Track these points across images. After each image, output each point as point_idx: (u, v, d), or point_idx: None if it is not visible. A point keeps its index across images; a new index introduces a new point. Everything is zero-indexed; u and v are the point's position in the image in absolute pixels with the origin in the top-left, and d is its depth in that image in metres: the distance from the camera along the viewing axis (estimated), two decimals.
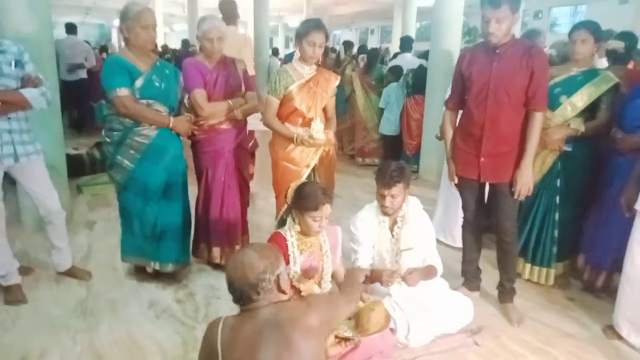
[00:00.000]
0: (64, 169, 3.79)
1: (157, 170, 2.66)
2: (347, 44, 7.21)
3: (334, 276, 2.31)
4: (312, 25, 2.58)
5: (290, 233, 2.18)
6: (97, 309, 2.63)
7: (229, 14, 4.31)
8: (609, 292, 2.86)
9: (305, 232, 2.16)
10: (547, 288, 3.02)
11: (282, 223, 2.50)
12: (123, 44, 2.67)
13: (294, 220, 2.18)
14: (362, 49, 7.09)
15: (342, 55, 6.87)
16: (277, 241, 2.18)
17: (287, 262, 2.16)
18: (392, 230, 2.43)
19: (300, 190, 2.11)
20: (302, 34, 2.58)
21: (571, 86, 2.78)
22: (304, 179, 2.64)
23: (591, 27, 2.74)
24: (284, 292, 1.57)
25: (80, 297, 2.74)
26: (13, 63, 2.46)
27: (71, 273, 2.91)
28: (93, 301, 2.71)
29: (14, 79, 2.46)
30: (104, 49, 10.82)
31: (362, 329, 1.90)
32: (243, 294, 1.46)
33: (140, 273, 2.93)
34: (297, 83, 2.64)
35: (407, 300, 2.36)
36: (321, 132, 2.61)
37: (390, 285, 2.27)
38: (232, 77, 2.89)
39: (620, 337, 2.47)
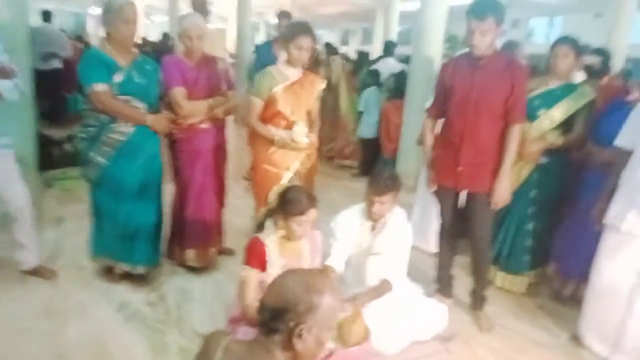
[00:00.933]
0: (33, 162, 3.65)
1: (132, 168, 2.59)
2: (329, 46, 7.19)
3: None
4: (299, 30, 2.56)
5: (270, 238, 2.15)
6: (63, 311, 2.53)
7: (200, 9, 4.26)
8: (576, 300, 2.92)
9: (287, 237, 2.13)
10: (518, 296, 3.07)
11: (260, 227, 2.47)
12: (100, 33, 2.58)
13: (275, 224, 2.15)
14: (333, 50, 7.03)
15: (322, 56, 6.85)
16: (256, 246, 2.15)
17: (264, 269, 2.14)
18: (370, 234, 2.43)
19: (285, 195, 2.08)
20: (289, 37, 2.56)
21: (550, 99, 2.84)
22: (284, 181, 2.62)
23: (573, 43, 2.81)
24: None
25: (46, 298, 2.63)
26: None
27: (36, 272, 2.79)
28: (60, 303, 2.61)
29: None
30: (78, 38, 10.52)
31: (343, 341, 1.89)
32: (265, 316, 1.12)
33: (109, 274, 2.84)
34: (282, 85, 2.61)
35: (381, 307, 2.36)
36: (303, 135, 2.59)
37: None
38: (213, 76, 2.84)
39: (585, 346, 2.53)
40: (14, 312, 2.49)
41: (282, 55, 2.69)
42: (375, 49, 14.58)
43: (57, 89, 6.58)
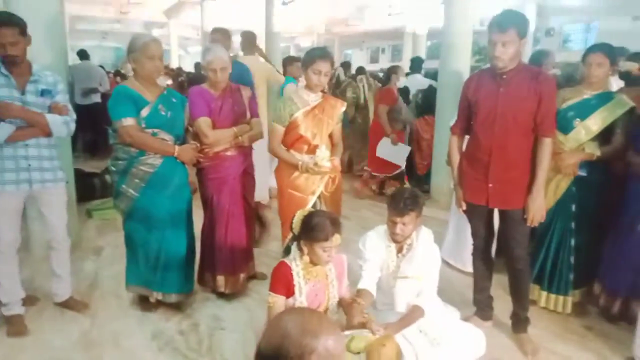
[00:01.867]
0: (73, 194, 3.80)
1: (162, 199, 2.65)
2: (346, 65, 7.23)
3: (341, 304, 2.25)
4: (317, 55, 2.58)
5: (296, 262, 2.14)
6: (100, 341, 2.59)
7: (250, 44, 4.53)
8: (627, 319, 2.75)
9: (313, 262, 2.10)
10: (564, 316, 2.90)
11: (287, 251, 2.46)
12: None
13: (300, 249, 2.13)
14: (360, 70, 7.05)
15: (342, 77, 6.89)
16: (283, 271, 2.14)
17: (293, 293, 2.12)
18: (397, 256, 2.37)
19: (309, 221, 2.06)
20: (307, 62, 2.58)
21: (585, 110, 2.71)
22: (309, 206, 2.61)
23: (607, 50, 2.69)
24: None
25: (83, 329, 2.70)
26: (39, 92, 2.51)
27: (68, 304, 2.86)
28: (96, 332, 2.67)
29: (39, 107, 2.51)
30: (117, 72, 11.02)
31: None
32: None
33: (144, 302, 2.89)
34: (302, 110, 2.63)
35: (415, 333, 2.27)
36: (327, 159, 2.58)
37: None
38: (237, 105, 2.90)
39: None
40: (53, 343, 2.56)
41: (301, 80, 2.71)
42: (405, 66, 14.57)
43: (97, 122, 6.91)
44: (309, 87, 2.64)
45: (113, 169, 2.67)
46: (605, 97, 2.71)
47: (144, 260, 2.75)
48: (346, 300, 2.25)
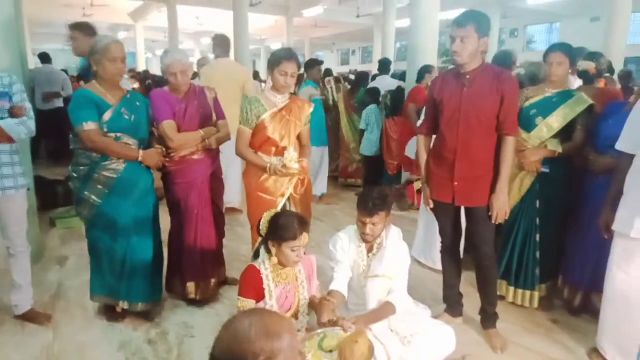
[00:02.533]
0: (34, 203, 3.66)
1: (126, 205, 2.58)
2: (327, 71, 7.22)
3: (311, 305, 2.23)
4: (283, 56, 2.55)
5: (265, 266, 2.12)
6: (64, 355, 2.49)
7: (225, 47, 4.57)
8: (589, 312, 2.84)
9: (282, 264, 2.08)
10: (531, 311, 2.97)
11: (257, 255, 2.43)
12: None
13: (268, 252, 2.11)
14: (328, 72, 7.05)
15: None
16: (252, 275, 2.12)
17: (263, 296, 2.10)
18: (367, 256, 2.37)
19: (276, 221, 2.05)
20: (273, 63, 2.56)
21: (547, 108, 2.78)
22: (279, 209, 2.58)
23: (566, 49, 2.76)
24: None
25: (46, 342, 2.58)
26: None
27: (29, 317, 2.74)
28: (60, 346, 2.56)
29: None
30: (80, 77, 10.70)
31: None
32: None
33: (110, 312, 2.79)
34: (270, 112, 2.60)
35: (386, 333, 2.28)
36: (295, 161, 2.56)
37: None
38: (202, 107, 2.85)
39: None
40: (12, 359, 2.44)
41: (268, 82, 2.69)
42: (375, 67, 14.68)
43: (60, 128, 6.68)
44: (275, 88, 2.61)
45: (74, 175, 2.57)
46: (566, 95, 2.79)
47: (109, 269, 2.66)
48: (316, 299, 2.23)
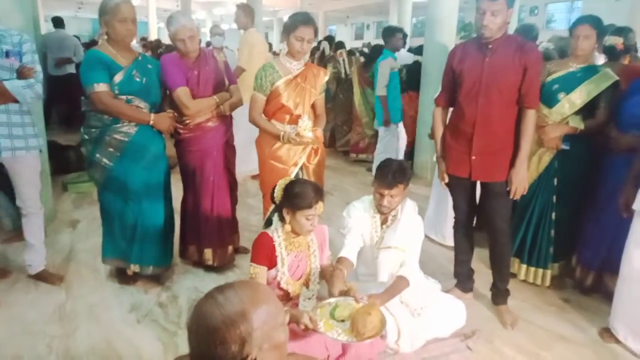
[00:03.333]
0: (47, 167, 3.68)
1: (138, 169, 2.56)
2: (330, 39, 7.09)
3: (322, 275, 2.22)
4: (300, 20, 2.47)
5: (278, 233, 2.10)
6: (75, 314, 2.52)
7: (253, 18, 4.53)
8: (600, 292, 2.81)
9: (295, 232, 2.06)
10: (543, 289, 2.94)
11: (268, 223, 2.41)
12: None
13: (281, 220, 2.08)
14: (339, 44, 6.91)
15: (327, 51, 6.77)
16: (264, 242, 2.10)
17: (275, 264, 2.09)
18: (381, 227, 2.35)
19: (291, 189, 2.01)
20: (290, 28, 2.48)
21: (570, 83, 2.69)
22: (291, 176, 2.55)
23: (595, 22, 2.64)
24: None
25: (58, 301, 2.63)
26: (4, 53, 2.36)
27: (42, 277, 2.78)
28: (72, 305, 2.60)
29: (6, 70, 2.38)
30: (92, 42, 10.63)
31: (357, 334, 1.81)
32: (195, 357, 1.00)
33: (121, 275, 2.82)
34: (284, 78, 2.54)
35: (396, 305, 2.27)
36: (309, 129, 2.51)
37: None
38: (215, 72, 2.79)
39: (617, 341, 2.40)
40: (26, 316, 2.48)
41: (284, 47, 2.61)
42: None
43: (72, 94, 6.66)
44: (291, 54, 2.54)
45: (86, 137, 2.55)
46: (591, 70, 2.69)
47: (120, 233, 2.67)
48: (327, 268, 2.22)
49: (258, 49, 4.43)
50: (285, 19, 2.60)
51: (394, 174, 2.15)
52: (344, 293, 1.98)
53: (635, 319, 2.29)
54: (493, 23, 2.22)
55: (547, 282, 2.94)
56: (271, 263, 2.07)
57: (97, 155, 2.52)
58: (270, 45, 11.81)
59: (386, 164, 2.22)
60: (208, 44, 6.40)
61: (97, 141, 2.51)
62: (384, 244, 2.28)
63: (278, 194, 2.05)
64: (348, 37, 31.10)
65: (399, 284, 2.21)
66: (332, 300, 1.97)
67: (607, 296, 2.59)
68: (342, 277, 2.04)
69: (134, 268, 2.71)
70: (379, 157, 4.97)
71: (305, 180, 2.18)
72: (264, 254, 2.06)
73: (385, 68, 4.87)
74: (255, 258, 2.05)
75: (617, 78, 2.64)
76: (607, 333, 2.46)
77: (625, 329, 2.35)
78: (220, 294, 0.99)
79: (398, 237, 2.24)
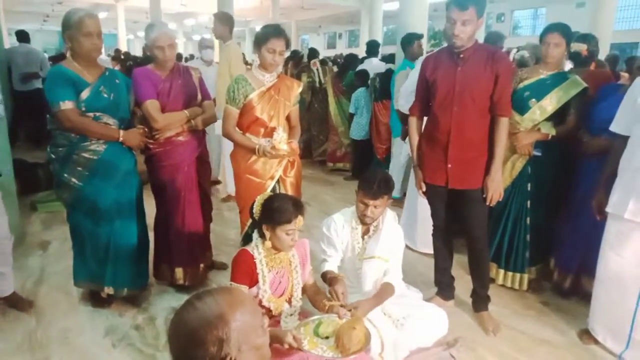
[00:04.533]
0: (13, 187, 3.54)
1: (108, 188, 2.47)
2: (312, 52, 7.11)
3: (304, 290, 2.19)
4: (271, 32, 2.45)
5: (258, 250, 2.05)
6: (47, 341, 2.41)
7: (228, 28, 4.34)
8: (578, 294, 2.86)
9: (276, 248, 2.02)
10: (521, 293, 2.98)
11: (246, 238, 2.36)
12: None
13: (261, 236, 2.04)
14: (313, 53, 6.91)
15: (305, 59, 6.78)
16: (245, 260, 2.04)
17: (256, 282, 2.04)
18: (362, 238, 2.34)
19: (270, 204, 1.97)
20: (261, 40, 2.46)
21: (540, 90, 2.75)
22: (268, 191, 2.52)
23: (564, 30, 2.71)
24: None
25: (28, 329, 2.51)
26: None
27: (11, 302, 2.65)
28: (43, 332, 2.48)
29: None
30: (60, 56, 10.37)
31: (343, 349, 1.78)
32: None
33: (95, 297, 2.71)
34: (258, 91, 2.51)
35: (379, 316, 2.25)
36: (284, 142, 2.48)
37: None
38: (187, 86, 2.74)
39: (596, 342, 2.44)
40: None
41: (255, 60, 2.58)
42: (362, 51, 14.56)
43: (39, 110, 6.46)
44: (263, 66, 2.51)
45: (53, 156, 2.44)
46: (560, 77, 2.75)
47: (92, 255, 2.57)
48: (309, 285, 2.19)
49: (236, 63, 4.31)
50: (258, 29, 2.58)
51: (379, 185, 2.16)
52: (331, 309, 1.97)
53: (613, 320, 2.33)
54: (464, 32, 2.25)
55: (525, 286, 2.97)
56: (252, 281, 2.02)
57: (66, 174, 2.42)
58: (243, 54, 11.79)
59: (371, 175, 2.23)
60: (192, 56, 6.29)
61: (65, 160, 2.41)
62: (367, 254, 2.27)
63: (257, 209, 2.01)
64: (321, 46, 31.30)
65: (384, 290, 2.22)
66: (314, 317, 1.94)
67: (585, 298, 2.63)
68: (344, 281, 2.08)
69: (107, 290, 2.61)
70: (402, 170, 4.75)
71: (284, 195, 2.15)
72: (245, 272, 2.01)
73: (403, 78, 4.75)
74: (235, 277, 2.00)
75: (585, 85, 2.71)
76: (586, 335, 2.49)
77: (603, 330, 2.39)
78: (198, 300, 1.02)
79: (380, 246, 2.24)
